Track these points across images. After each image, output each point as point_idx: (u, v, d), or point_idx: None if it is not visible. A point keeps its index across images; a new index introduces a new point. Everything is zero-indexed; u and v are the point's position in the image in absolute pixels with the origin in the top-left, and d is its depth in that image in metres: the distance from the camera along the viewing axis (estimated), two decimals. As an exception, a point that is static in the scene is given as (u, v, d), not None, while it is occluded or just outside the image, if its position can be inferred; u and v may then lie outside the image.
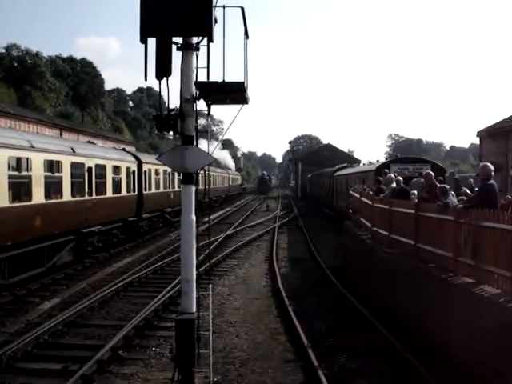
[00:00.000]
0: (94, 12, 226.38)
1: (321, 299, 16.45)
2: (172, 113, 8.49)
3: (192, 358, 8.55)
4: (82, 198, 21.01)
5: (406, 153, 76.13)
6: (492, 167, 11.57)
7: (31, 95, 55.15)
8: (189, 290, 8.61)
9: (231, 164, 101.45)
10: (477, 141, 33.04)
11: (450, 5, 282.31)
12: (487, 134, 29.89)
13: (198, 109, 8.78)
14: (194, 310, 8.73)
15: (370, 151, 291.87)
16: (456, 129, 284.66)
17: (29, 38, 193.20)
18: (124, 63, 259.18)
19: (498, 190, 12.03)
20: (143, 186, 29.35)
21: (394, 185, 17.30)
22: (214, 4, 8.08)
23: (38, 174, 17.16)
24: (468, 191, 14.57)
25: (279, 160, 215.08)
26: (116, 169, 25.20)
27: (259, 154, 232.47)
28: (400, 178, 17.57)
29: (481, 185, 11.59)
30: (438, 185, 14.08)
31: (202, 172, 9.53)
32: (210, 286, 10.75)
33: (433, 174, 15.06)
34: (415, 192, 15.61)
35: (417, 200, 14.45)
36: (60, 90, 62.47)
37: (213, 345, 10.08)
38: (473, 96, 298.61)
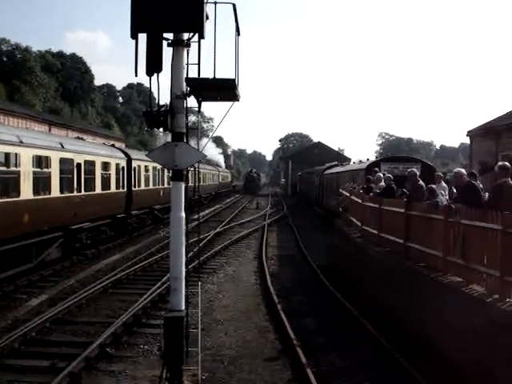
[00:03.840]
0: (83, 5, 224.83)
1: (310, 297, 16.46)
2: (162, 109, 8.44)
3: (180, 356, 8.52)
4: (70, 194, 20.89)
5: (396, 152, 76.61)
6: (464, 172, 11.93)
7: (20, 90, 54.92)
8: (178, 288, 8.57)
9: (221, 161, 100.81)
10: (467, 140, 33.18)
11: (441, 4, 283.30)
12: (477, 134, 30.02)
13: (189, 105, 8.74)
14: (183, 307, 8.70)
15: (361, 150, 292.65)
16: (446, 128, 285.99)
17: (18, 32, 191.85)
18: (114, 58, 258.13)
19: (487, 189, 12.13)
20: (133, 182, 29.24)
21: (383, 183, 17.32)
22: (205, 0, 8.03)
23: (26, 170, 17.04)
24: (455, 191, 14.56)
25: (269, 158, 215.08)
26: (105, 165, 25.08)
27: (249, 151, 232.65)
28: (390, 176, 17.57)
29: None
30: (424, 185, 14.15)
31: (191, 169, 9.47)
32: (199, 283, 10.69)
33: (417, 172, 14.87)
34: (404, 190, 15.64)
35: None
36: (49, 85, 62.24)
37: (201, 342, 10.06)
38: (463, 95, 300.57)
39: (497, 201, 9.84)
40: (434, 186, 13.79)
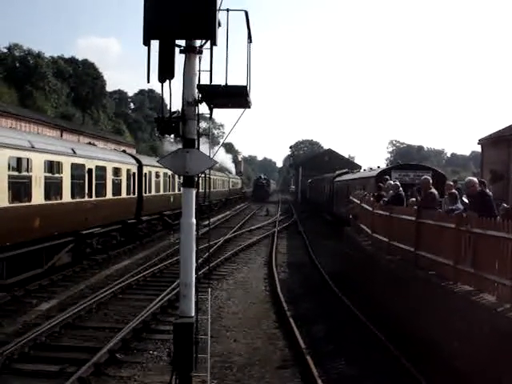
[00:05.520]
0: (95, 12, 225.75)
1: (319, 305, 16.42)
2: (174, 116, 8.46)
3: (190, 362, 8.49)
4: (81, 200, 20.97)
5: (406, 159, 76.21)
6: (476, 180, 11.91)
7: (32, 95, 55.15)
8: (188, 294, 8.56)
9: (232, 168, 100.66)
10: (478, 148, 33.23)
11: (453, 11, 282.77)
12: (489, 142, 29.93)
13: (200, 112, 8.75)
14: (193, 313, 8.69)
15: (371, 157, 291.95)
16: (457, 136, 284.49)
17: (31, 38, 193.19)
18: (125, 65, 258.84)
19: (498, 198, 12.15)
20: (143, 188, 29.31)
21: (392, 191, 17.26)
22: (217, 7, 8.05)
23: (38, 175, 17.12)
24: (466, 200, 14.48)
25: (280, 164, 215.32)
26: (116, 171, 25.17)
27: (260, 158, 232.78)
28: (398, 183, 17.52)
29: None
30: (436, 193, 14.13)
31: (202, 175, 9.47)
32: (209, 289, 10.69)
33: (430, 180, 14.79)
34: (413, 199, 15.59)
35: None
36: (61, 90, 62.49)
37: (211, 349, 10.04)
38: (474, 103, 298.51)
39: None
40: (456, 191, 13.74)
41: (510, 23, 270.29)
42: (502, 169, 26.30)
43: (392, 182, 18.59)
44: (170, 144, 75.85)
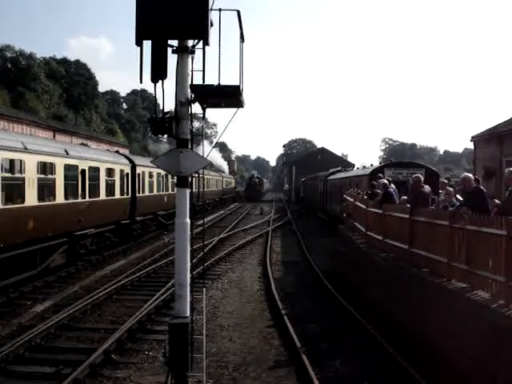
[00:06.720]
0: (85, 12, 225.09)
1: (314, 304, 16.44)
2: (167, 116, 8.45)
3: (185, 362, 8.49)
4: (75, 201, 20.92)
5: (399, 157, 76.34)
6: (472, 176, 11.96)
7: (25, 97, 55.09)
8: (183, 294, 8.55)
9: (225, 167, 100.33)
10: (471, 145, 33.25)
11: (444, 8, 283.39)
12: (481, 139, 30.02)
13: (193, 112, 8.75)
14: (188, 313, 8.68)
15: (364, 155, 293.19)
16: (450, 133, 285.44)
17: (23, 39, 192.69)
18: (117, 65, 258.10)
19: (490, 195, 12.20)
20: (137, 188, 29.27)
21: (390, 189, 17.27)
22: (210, 7, 8.05)
23: (31, 176, 17.09)
24: (460, 197, 14.53)
25: (273, 163, 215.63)
26: (110, 171, 25.13)
27: (253, 157, 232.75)
28: (385, 181, 17.53)
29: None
30: (427, 192, 14.17)
31: (195, 175, 9.47)
32: (204, 289, 10.69)
33: (422, 178, 14.83)
34: (405, 198, 15.61)
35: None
36: (54, 91, 62.43)
37: (206, 349, 10.04)
38: (467, 101, 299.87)
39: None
40: (451, 189, 13.83)
41: (500, 23, 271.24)
42: (495, 165, 26.38)
43: (385, 181, 18.62)
44: (153, 143, 75.84)
